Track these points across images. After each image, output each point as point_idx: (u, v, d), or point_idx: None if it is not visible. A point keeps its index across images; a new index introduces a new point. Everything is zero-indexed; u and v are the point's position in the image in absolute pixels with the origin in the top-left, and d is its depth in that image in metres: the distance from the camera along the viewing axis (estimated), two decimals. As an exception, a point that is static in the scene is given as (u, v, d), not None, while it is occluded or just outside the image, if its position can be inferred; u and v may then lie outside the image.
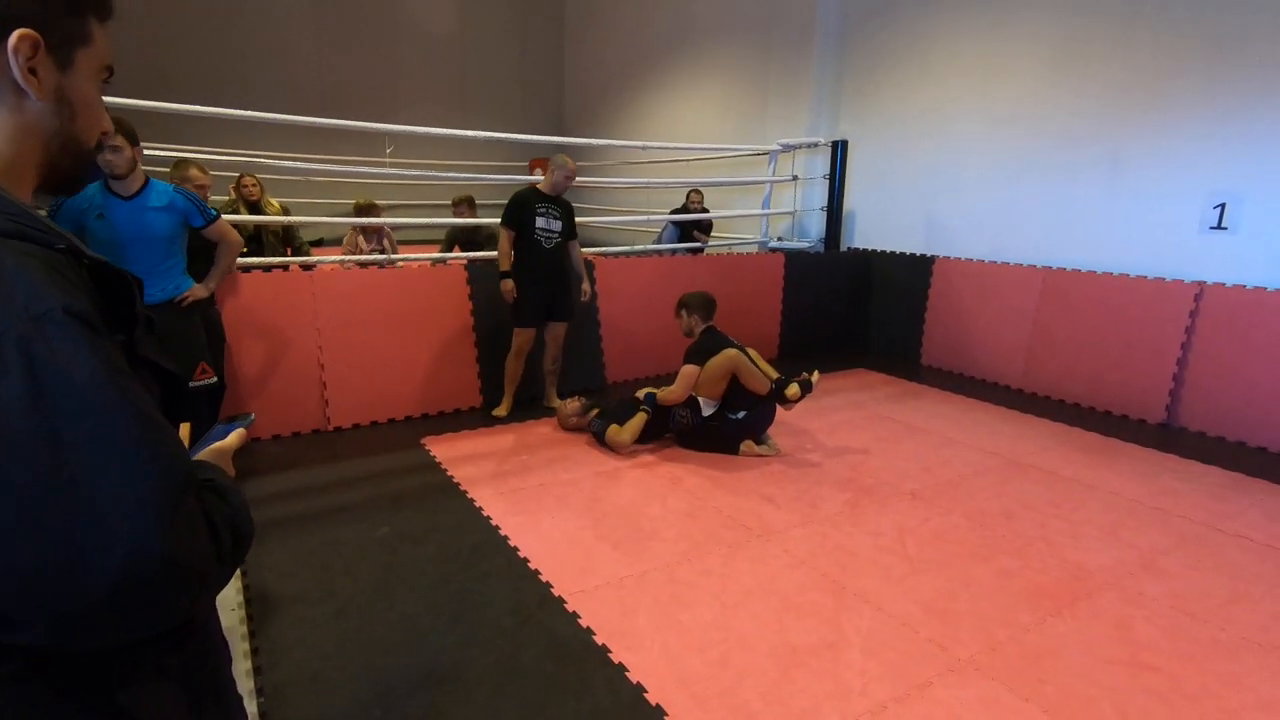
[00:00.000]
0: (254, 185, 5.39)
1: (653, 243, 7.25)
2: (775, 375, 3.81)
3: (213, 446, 0.87)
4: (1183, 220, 4.55)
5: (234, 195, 5.49)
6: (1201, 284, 4.36)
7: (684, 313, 3.98)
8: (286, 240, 5.61)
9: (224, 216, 3.15)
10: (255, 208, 5.38)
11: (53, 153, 0.73)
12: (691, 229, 6.88)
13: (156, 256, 2.86)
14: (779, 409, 3.87)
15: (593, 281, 5.05)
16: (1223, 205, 4.35)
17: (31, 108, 0.69)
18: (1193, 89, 4.44)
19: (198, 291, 3.03)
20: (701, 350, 3.77)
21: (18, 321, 0.58)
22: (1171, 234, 4.61)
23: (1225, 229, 4.36)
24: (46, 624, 0.59)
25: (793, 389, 3.70)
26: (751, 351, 3.88)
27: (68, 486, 0.57)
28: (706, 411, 3.80)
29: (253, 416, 1.02)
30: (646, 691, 2.01)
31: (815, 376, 3.82)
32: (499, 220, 4.19)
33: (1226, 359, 4.24)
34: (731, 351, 3.69)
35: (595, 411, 4.05)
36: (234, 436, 0.90)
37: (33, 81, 0.68)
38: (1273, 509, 3.30)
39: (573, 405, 4.12)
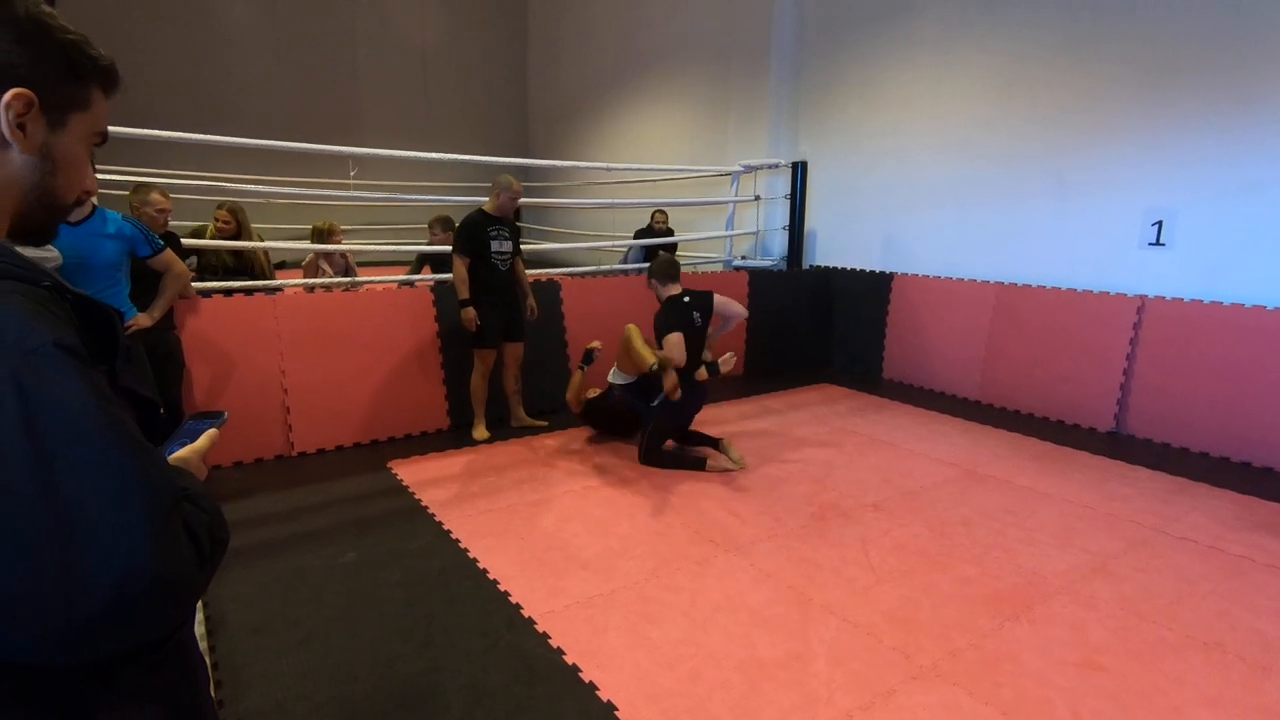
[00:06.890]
0: (227, 222, 5.16)
1: (619, 263, 7.32)
2: (654, 360, 3.67)
3: (184, 450, 0.86)
4: (1124, 236, 4.77)
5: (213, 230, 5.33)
6: (1143, 297, 4.57)
7: (653, 281, 4.11)
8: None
9: (205, 241, 3.12)
10: (235, 240, 5.27)
11: (29, 204, 0.76)
12: (657, 249, 6.97)
13: (99, 283, 2.82)
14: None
15: (559, 302, 5.09)
16: (1160, 222, 4.57)
17: (14, 159, 0.73)
18: (1128, 114, 4.68)
19: (141, 320, 2.99)
20: (667, 323, 3.87)
21: (10, 357, 0.61)
22: (1114, 250, 4.82)
23: (1163, 245, 4.58)
24: (36, 638, 0.61)
25: (700, 372, 3.89)
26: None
27: (63, 509, 0.60)
28: (620, 381, 4.02)
29: (225, 415, 0.98)
30: (617, 710, 2.02)
31: (724, 359, 3.93)
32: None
33: (1168, 368, 4.43)
34: (631, 327, 3.85)
35: (592, 393, 4.36)
36: (205, 438, 0.90)
37: (18, 135, 0.72)
38: (1214, 511, 3.45)
39: (593, 393, 4.36)
